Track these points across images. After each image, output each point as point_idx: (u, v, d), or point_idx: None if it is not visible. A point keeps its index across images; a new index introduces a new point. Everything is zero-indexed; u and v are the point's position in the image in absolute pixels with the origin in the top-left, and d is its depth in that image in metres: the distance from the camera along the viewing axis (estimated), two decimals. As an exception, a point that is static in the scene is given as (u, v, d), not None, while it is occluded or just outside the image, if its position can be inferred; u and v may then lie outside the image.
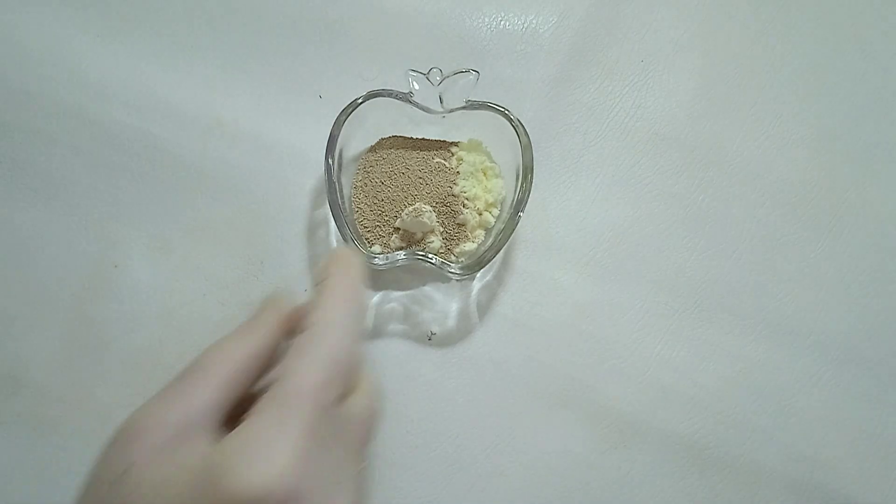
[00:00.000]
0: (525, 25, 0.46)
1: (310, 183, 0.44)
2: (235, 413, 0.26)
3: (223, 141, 0.44)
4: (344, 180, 0.41)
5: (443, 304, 0.42)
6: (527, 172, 0.39)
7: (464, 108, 0.40)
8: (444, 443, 0.41)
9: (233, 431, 0.24)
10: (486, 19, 0.46)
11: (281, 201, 0.43)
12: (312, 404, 0.24)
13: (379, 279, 0.42)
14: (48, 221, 0.43)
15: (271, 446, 0.22)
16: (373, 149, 0.43)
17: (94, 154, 0.44)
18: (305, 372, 0.25)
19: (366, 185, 0.42)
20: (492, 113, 0.39)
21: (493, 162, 0.42)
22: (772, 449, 0.41)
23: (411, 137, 0.43)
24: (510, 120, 0.39)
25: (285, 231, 0.43)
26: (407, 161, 0.42)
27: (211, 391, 0.26)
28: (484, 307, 0.42)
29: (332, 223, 0.41)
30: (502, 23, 0.46)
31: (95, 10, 0.45)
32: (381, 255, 0.39)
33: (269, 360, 0.29)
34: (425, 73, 0.38)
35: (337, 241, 0.43)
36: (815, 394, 0.42)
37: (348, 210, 0.41)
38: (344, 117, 0.38)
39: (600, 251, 0.43)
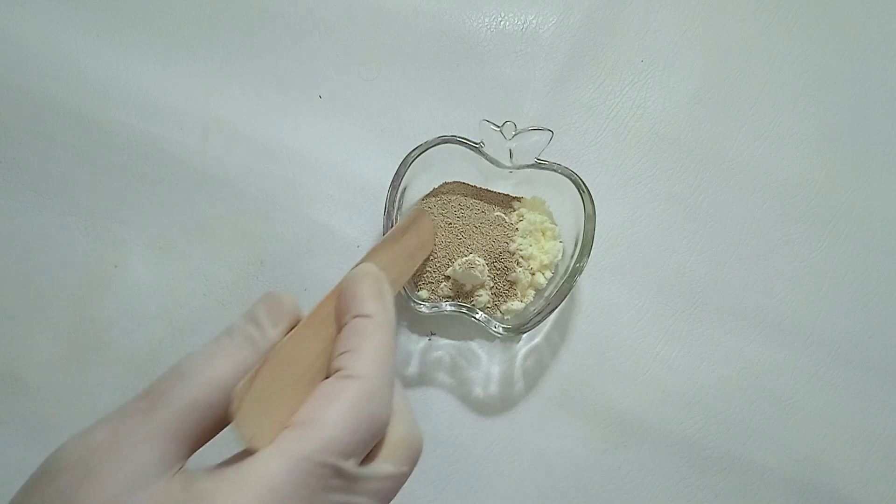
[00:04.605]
0: (525, 25, 0.46)
1: (310, 183, 0.44)
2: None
3: (223, 141, 0.44)
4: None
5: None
6: (587, 242, 0.38)
7: (532, 166, 0.39)
8: (444, 443, 0.41)
9: (217, 469, 0.20)
10: (486, 19, 0.46)
11: (280, 201, 0.43)
12: (329, 470, 0.20)
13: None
14: (48, 221, 0.43)
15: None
16: (434, 192, 0.42)
17: (94, 154, 0.44)
18: (332, 425, 0.20)
19: None
20: (560, 175, 0.39)
21: (553, 223, 0.42)
22: (772, 449, 0.41)
23: (474, 186, 0.42)
24: (578, 185, 0.38)
25: (285, 231, 0.43)
26: (466, 209, 0.41)
27: (189, 409, 0.20)
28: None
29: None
30: (502, 23, 0.46)
31: (95, 10, 0.45)
32: (427, 303, 0.38)
33: None
34: (499, 125, 0.38)
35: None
36: (815, 394, 0.42)
37: None
38: (412, 158, 0.38)
39: (600, 251, 0.43)
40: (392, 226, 0.38)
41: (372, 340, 0.23)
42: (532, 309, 0.40)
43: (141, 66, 0.45)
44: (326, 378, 0.22)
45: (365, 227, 0.43)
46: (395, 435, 0.23)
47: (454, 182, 0.42)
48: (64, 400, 0.41)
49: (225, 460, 0.20)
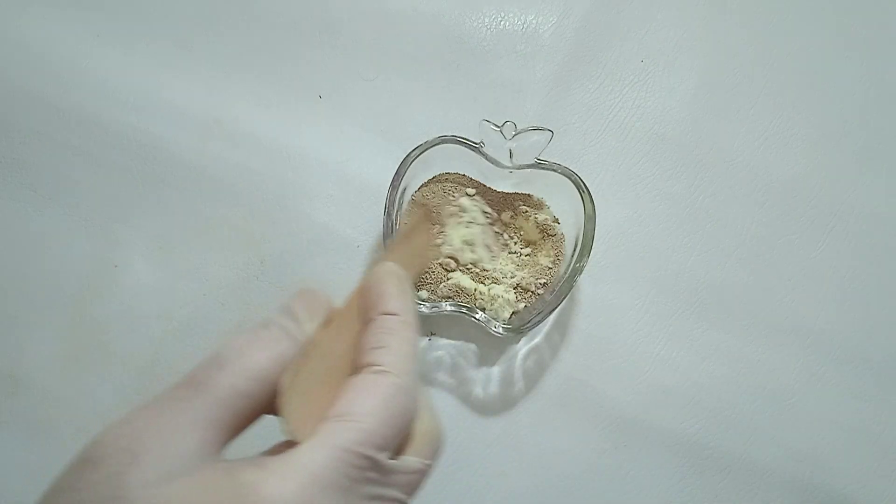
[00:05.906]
0: (525, 25, 0.46)
1: (310, 183, 0.44)
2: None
3: (223, 141, 0.44)
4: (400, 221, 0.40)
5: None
6: (587, 242, 0.38)
7: (532, 166, 0.39)
8: (445, 443, 0.41)
9: (262, 459, 0.20)
10: (486, 19, 0.46)
11: (280, 201, 0.43)
12: (367, 461, 0.20)
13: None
14: (48, 221, 0.43)
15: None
16: (428, 183, 0.42)
17: (94, 154, 0.44)
18: (369, 418, 0.21)
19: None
20: (560, 175, 0.39)
21: (555, 222, 0.42)
22: (772, 449, 0.41)
23: (467, 175, 0.42)
24: (578, 185, 0.38)
25: (285, 231, 0.43)
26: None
27: (229, 398, 0.21)
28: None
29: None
30: (502, 23, 0.46)
31: (96, 10, 0.45)
32: (427, 303, 0.38)
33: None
34: (499, 125, 0.38)
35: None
36: (815, 394, 0.42)
37: None
38: (412, 158, 0.38)
39: (600, 251, 0.43)
40: (392, 226, 0.38)
41: (400, 337, 0.24)
42: (533, 310, 0.40)
43: (141, 65, 0.45)
44: (354, 372, 0.23)
45: (365, 227, 0.43)
46: (421, 430, 0.24)
47: (449, 173, 0.42)
48: (64, 400, 0.41)
49: (267, 450, 0.21)
